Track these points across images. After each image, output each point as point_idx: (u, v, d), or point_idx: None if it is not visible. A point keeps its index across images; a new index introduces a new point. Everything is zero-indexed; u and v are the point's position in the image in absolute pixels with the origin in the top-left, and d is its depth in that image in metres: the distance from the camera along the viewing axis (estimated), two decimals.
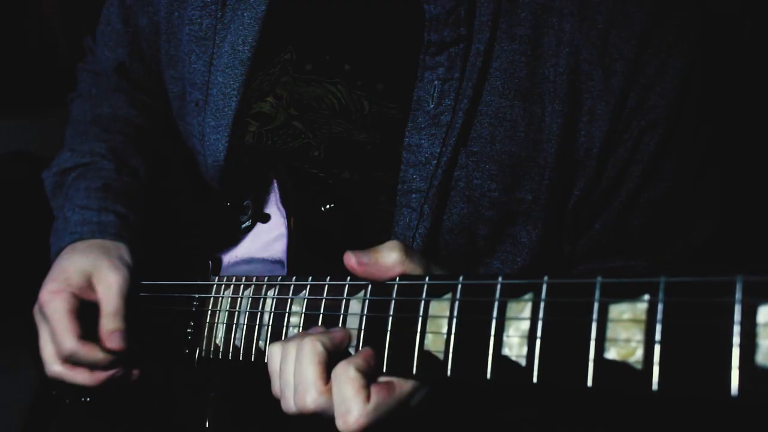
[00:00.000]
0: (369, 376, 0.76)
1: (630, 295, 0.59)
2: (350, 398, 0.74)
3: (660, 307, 0.57)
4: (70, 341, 1.02)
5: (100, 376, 1.08)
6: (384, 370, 0.78)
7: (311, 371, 0.76)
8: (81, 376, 1.07)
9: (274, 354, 0.83)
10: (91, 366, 1.06)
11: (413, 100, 0.99)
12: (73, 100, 1.40)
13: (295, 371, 0.78)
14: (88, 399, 1.27)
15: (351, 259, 0.79)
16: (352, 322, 0.82)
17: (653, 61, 0.93)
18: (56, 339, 1.04)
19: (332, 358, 0.78)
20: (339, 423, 0.74)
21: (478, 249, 1.03)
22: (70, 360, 1.04)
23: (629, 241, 1.04)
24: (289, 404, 0.79)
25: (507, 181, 0.98)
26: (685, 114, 0.96)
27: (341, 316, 0.83)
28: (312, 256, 0.99)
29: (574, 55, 0.94)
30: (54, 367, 1.07)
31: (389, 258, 0.79)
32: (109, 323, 1.06)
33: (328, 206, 1.01)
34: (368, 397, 0.75)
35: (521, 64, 0.96)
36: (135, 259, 1.12)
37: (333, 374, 0.76)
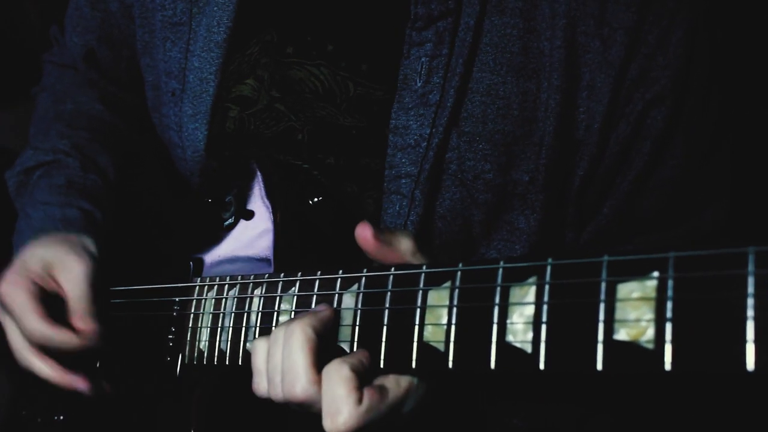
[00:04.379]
0: (363, 377, 0.77)
1: (638, 272, 0.61)
2: (341, 398, 0.74)
3: (670, 283, 0.59)
4: (36, 322, 1.02)
5: (67, 378, 1.07)
6: (381, 365, 0.78)
7: (301, 358, 0.77)
8: (49, 370, 1.07)
9: (259, 348, 0.83)
10: (64, 351, 1.05)
11: (399, 79, 1.00)
12: (38, 95, 1.40)
13: (283, 357, 0.78)
14: (61, 417, 1.26)
15: (366, 231, 0.80)
16: (346, 318, 0.83)
17: (654, 30, 0.94)
18: (23, 325, 1.03)
19: (322, 342, 0.79)
20: (327, 423, 0.75)
21: (473, 237, 1.04)
22: (41, 343, 1.04)
23: (638, 225, 1.05)
24: (277, 391, 0.80)
25: (502, 160, 0.99)
26: (693, 86, 0.97)
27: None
28: (300, 252, 1.00)
29: (571, 28, 0.95)
30: (26, 356, 1.07)
31: (402, 244, 0.81)
32: (80, 307, 1.06)
33: (315, 199, 1.01)
34: (360, 399, 0.75)
35: (513, 38, 0.97)
36: (101, 253, 1.12)
37: (325, 371, 0.77)
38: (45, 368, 1.07)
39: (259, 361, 0.83)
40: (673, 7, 0.95)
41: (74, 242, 1.10)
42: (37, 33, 2.32)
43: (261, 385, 0.83)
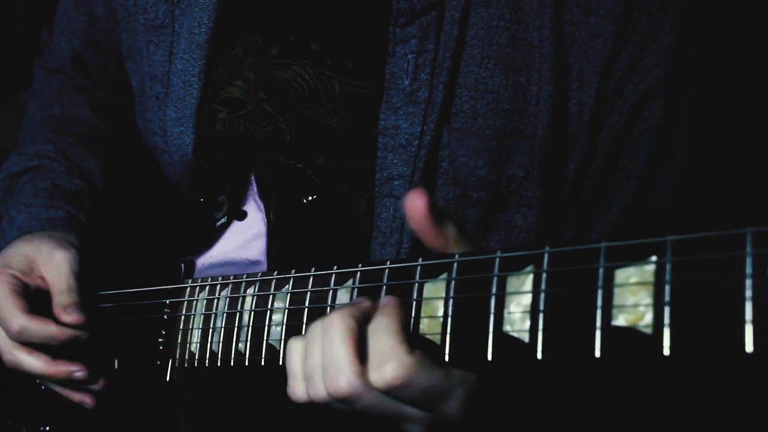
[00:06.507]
0: (411, 336, 0.72)
1: (636, 257, 0.61)
2: (390, 347, 0.69)
3: (668, 267, 0.59)
4: (17, 317, 1.03)
5: (62, 367, 1.07)
6: None
7: (342, 349, 0.71)
8: (40, 363, 1.07)
9: (294, 348, 0.77)
10: (49, 344, 1.05)
11: (386, 78, 1.00)
12: (28, 100, 1.41)
13: (324, 351, 0.73)
14: (47, 428, 1.26)
15: (420, 201, 0.71)
16: None
17: (644, 17, 0.95)
18: (4, 320, 1.04)
19: (363, 334, 0.73)
20: (374, 376, 0.69)
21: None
22: (25, 339, 1.04)
23: (649, 221, 1.04)
24: (318, 388, 0.74)
25: (494, 156, 0.99)
26: (690, 75, 0.98)
27: (328, 308, 0.84)
28: (293, 252, 1.00)
29: (558, 17, 0.96)
30: (12, 352, 1.07)
31: (449, 229, 0.75)
32: (63, 299, 1.06)
33: (310, 198, 1.02)
34: (412, 351, 0.70)
35: (500, 29, 0.97)
36: (86, 248, 1.12)
37: (370, 328, 0.72)
38: (35, 362, 1.07)
39: (294, 362, 0.77)
40: None
41: (57, 238, 1.11)
42: (26, 33, 2.34)
43: (297, 389, 0.77)
